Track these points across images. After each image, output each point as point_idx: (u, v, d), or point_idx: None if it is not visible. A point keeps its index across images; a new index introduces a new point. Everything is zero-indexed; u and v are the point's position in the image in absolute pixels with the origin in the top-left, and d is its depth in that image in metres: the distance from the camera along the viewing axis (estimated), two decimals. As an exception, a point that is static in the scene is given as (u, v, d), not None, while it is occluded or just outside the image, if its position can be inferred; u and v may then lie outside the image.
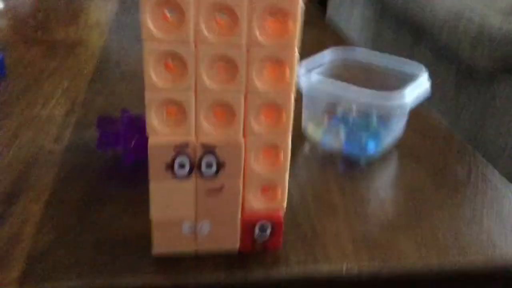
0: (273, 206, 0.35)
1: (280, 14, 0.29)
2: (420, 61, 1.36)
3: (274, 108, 0.31)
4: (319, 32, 0.82)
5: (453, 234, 0.39)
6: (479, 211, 0.42)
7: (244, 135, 0.32)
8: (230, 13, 0.28)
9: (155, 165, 0.32)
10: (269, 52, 0.29)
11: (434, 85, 1.38)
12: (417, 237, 0.39)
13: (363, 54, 0.52)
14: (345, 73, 0.50)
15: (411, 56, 1.38)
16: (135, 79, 0.61)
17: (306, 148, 0.49)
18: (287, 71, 0.30)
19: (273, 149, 0.33)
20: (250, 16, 0.28)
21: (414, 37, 1.37)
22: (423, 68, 0.49)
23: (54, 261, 0.34)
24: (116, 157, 0.44)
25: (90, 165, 0.44)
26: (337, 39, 0.80)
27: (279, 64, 0.30)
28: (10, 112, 0.51)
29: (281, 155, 0.33)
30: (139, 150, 0.43)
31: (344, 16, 1.87)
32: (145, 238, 0.35)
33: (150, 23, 0.28)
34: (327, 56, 0.51)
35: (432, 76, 0.47)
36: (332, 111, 0.49)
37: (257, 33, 0.29)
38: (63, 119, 0.50)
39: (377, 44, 1.57)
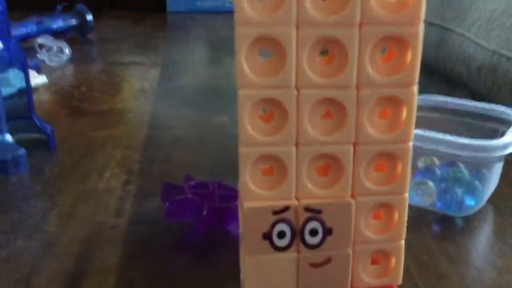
0: (387, 280, 0.29)
1: (396, 44, 0.25)
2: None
3: (389, 160, 0.27)
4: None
5: None
6: None
7: (353, 195, 0.27)
8: (338, 48, 0.24)
9: (251, 235, 0.26)
10: (384, 92, 0.25)
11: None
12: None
13: (452, 100, 0.47)
14: (434, 119, 0.45)
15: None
16: (189, 144, 0.57)
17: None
18: (404, 113, 0.26)
19: (387, 210, 0.28)
20: (361, 50, 0.24)
21: (448, 86, 1.32)
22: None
23: None
24: (183, 228, 0.39)
25: (157, 238, 0.39)
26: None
27: (395, 105, 0.25)
28: (64, 187, 0.47)
29: (396, 217, 0.28)
30: (211, 220, 0.38)
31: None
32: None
33: (246, 67, 0.24)
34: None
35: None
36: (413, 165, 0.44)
37: (369, 69, 0.25)
38: (121, 190, 0.46)
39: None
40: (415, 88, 0.25)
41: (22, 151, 0.51)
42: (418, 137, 0.41)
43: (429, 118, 0.48)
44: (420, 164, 0.46)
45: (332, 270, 0.28)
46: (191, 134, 0.60)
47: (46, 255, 0.38)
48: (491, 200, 0.44)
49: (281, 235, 0.27)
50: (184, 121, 0.65)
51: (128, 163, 0.52)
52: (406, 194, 0.27)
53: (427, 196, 0.43)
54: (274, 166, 0.26)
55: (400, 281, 0.29)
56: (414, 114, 0.25)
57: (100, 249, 0.38)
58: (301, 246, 0.27)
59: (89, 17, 1.14)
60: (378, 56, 0.25)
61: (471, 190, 0.42)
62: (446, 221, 0.42)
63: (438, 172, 0.44)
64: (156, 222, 0.41)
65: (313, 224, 0.27)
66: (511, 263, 0.37)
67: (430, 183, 0.43)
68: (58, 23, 1.11)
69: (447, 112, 0.47)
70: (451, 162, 0.44)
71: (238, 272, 0.30)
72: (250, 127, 0.25)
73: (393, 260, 0.28)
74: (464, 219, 0.42)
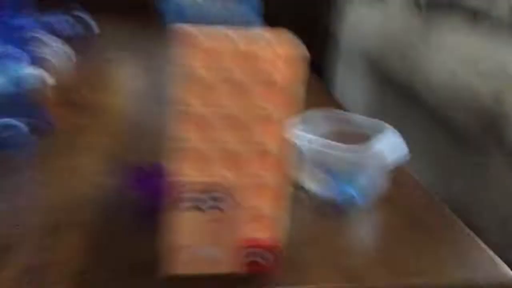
0: (270, 235, 0.43)
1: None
2: (415, 127, 1.43)
3: (268, 156, 0.41)
4: (319, 99, 0.93)
5: (414, 261, 0.49)
6: (436, 246, 0.52)
7: (244, 177, 0.41)
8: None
9: (176, 199, 0.41)
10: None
11: (427, 152, 1.43)
12: (386, 263, 0.48)
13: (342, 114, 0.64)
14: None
15: (406, 122, 1.47)
16: (153, 135, 0.71)
17: (302, 196, 0.59)
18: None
19: (269, 189, 0.42)
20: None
21: (410, 104, 1.45)
22: (391, 127, 0.60)
23: (93, 277, 0.44)
24: (140, 198, 0.54)
25: (121, 205, 0.54)
26: (335, 105, 0.91)
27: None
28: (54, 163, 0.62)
29: (275, 194, 0.42)
30: (155, 192, 0.52)
31: (346, 85, 1.97)
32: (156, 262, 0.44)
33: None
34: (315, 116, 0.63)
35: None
36: (321, 165, 0.58)
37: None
38: (96, 167, 0.61)
39: (376, 110, 1.67)
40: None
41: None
42: (323, 145, 0.56)
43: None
44: (325, 165, 0.60)
45: (229, 227, 0.42)
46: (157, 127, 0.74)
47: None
48: (381, 199, 0.59)
49: (197, 201, 0.41)
50: (153, 116, 0.78)
51: (103, 147, 0.66)
52: (281, 179, 0.42)
53: (324, 189, 0.58)
54: (198, 158, 0.40)
55: (279, 234, 0.43)
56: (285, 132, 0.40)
57: (78, 207, 0.53)
58: (208, 209, 0.42)
59: (88, 18, 1.27)
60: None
61: (350, 183, 0.57)
62: (339, 210, 0.57)
63: (334, 171, 0.58)
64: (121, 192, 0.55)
65: (216, 194, 0.41)
66: (371, 235, 0.53)
67: (328, 178, 0.57)
68: (56, 23, 1.23)
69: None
70: (344, 163, 0.58)
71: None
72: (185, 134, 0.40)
73: (275, 222, 0.43)
74: (354, 210, 0.57)
